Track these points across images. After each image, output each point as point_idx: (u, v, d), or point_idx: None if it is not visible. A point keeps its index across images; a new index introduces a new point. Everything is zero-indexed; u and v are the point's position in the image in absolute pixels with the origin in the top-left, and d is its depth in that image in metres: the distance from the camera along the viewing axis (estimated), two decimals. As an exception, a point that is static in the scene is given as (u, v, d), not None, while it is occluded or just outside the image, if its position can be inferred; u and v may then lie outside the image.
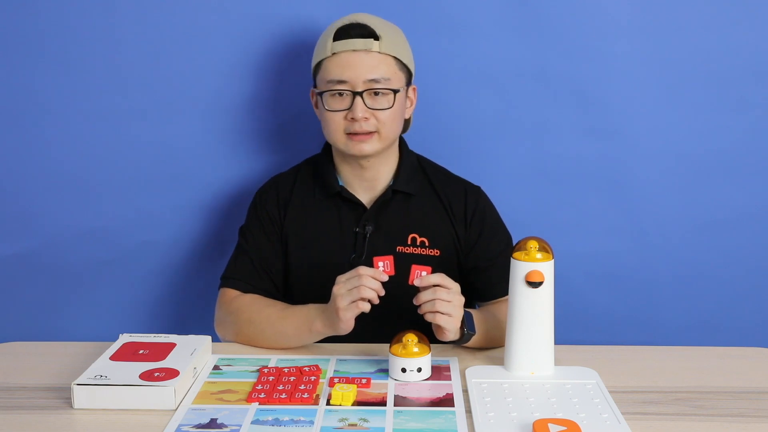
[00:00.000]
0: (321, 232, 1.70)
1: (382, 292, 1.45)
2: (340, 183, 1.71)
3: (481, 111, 1.93)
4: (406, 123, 1.75)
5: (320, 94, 1.64)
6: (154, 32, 1.89)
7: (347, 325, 1.46)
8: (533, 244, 1.41)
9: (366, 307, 1.44)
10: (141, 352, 1.44)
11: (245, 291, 1.67)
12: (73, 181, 1.95)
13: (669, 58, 1.89)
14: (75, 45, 1.88)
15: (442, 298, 1.43)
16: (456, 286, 1.46)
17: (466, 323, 1.48)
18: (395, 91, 1.62)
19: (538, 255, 1.40)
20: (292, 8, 1.88)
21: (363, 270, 1.45)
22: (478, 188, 1.76)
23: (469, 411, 1.30)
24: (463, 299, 1.47)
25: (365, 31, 1.62)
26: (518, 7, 1.87)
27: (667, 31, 1.88)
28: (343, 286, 1.45)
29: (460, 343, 1.50)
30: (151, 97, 1.91)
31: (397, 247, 1.68)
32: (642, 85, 1.91)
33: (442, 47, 1.89)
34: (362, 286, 1.43)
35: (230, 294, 1.68)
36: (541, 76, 1.91)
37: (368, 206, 1.70)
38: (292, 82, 1.91)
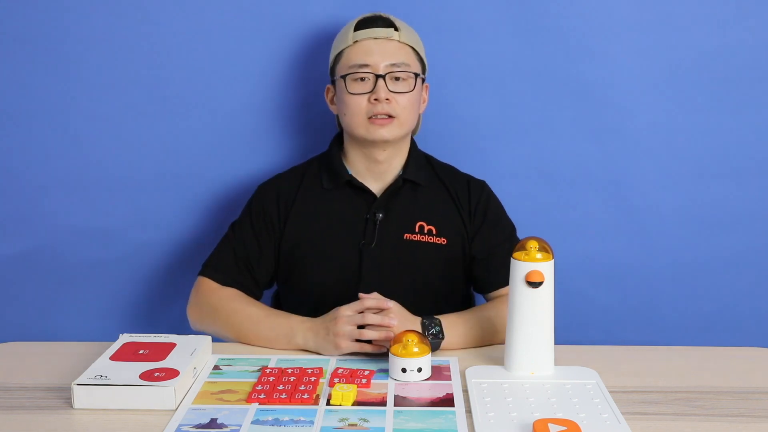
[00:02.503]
0: (330, 219, 1.71)
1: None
2: (350, 173, 1.73)
3: (481, 111, 1.93)
4: (416, 123, 1.76)
5: (342, 78, 1.67)
6: (153, 32, 1.89)
7: (340, 353, 1.51)
8: (533, 244, 1.41)
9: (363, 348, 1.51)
10: (141, 352, 1.44)
11: (223, 284, 1.69)
12: (73, 181, 1.95)
13: (669, 58, 1.89)
14: (75, 45, 1.88)
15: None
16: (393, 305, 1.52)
17: (428, 331, 1.51)
18: (416, 75, 1.67)
19: (538, 255, 1.40)
20: (296, 7, 1.88)
21: (368, 315, 1.50)
22: (483, 182, 1.78)
23: (469, 411, 1.30)
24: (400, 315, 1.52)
25: (386, 22, 1.69)
26: (518, 7, 1.88)
27: (667, 31, 1.88)
28: (349, 320, 1.50)
29: (434, 349, 1.51)
30: (151, 97, 1.92)
31: (405, 235, 1.70)
32: (642, 85, 1.91)
33: (442, 47, 1.89)
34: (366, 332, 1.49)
35: (208, 285, 1.69)
36: (541, 76, 1.91)
37: (378, 195, 1.71)
38: (295, 81, 1.92)
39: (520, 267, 1.41)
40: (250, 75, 1.92)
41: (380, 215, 1.69)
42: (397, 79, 1.66)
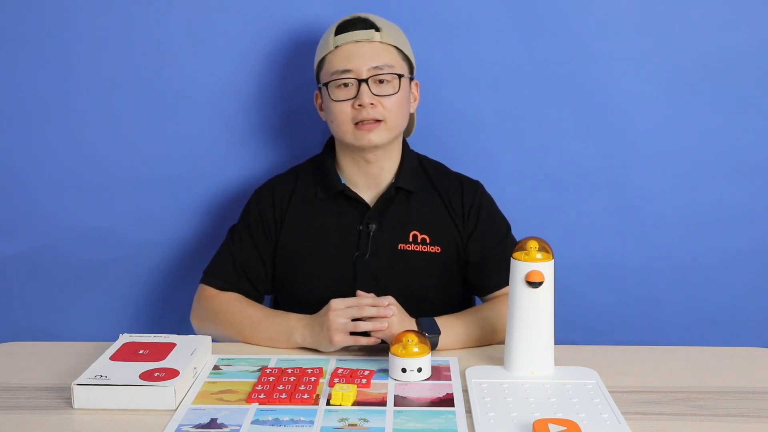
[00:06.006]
0: (324, 230, 1.70)
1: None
2: (342, 182, 1.71)
3: (481, 111, 1.93)
4: (410, 123, 1.75)
5: (326, 85, 1.65)
6: (153, 33, 1.89)
7: (335, 348, 1.51)
8: (533, 244, 1.41)
9: (360, 341, 1.51)
10: (141, 352, 1.44)
11: (222, 289, 1.70)
12: (73, 181, 1.95)
13: (669, 58, 1.90)
14: (75, 45, 1.89)
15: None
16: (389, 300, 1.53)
17: (425, 328, 1.51)
18: (400, 76, 1.64)
19: (538, 255, 1.40)
20: (294, 7, 1.89)
21: (367, 308, 1.50)
22: (477, 183, 1.76)
23: (469, 411, 1.30)
24: (398, 312, 1.53)
25: (366, 24, 1.65)
26: (518, 7, 1.88)
27: (667, 31, 1.89)
28: (342, 313, 1.49)
29: (433, 348, 1.50)
30: (151, 97, 1.92)
31: (399, 245, 1.69)
32: (642, 86, 1.91)
33: (442, 47, 1.89)
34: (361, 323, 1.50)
35: (209, 291, 1.70)
36: (541, 76, 1.91)
37: (371, 204, 1.70)
38: (293, 82, 1.92)
39: (520, 267, 1.40)
40: (250, 76, 1.92)
41: (373, 226, 1.68)
42: (381, 81, 1.63)
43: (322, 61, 1.67)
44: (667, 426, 1.26)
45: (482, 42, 1.90)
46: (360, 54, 1.63)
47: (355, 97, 1.62)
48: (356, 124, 1.63)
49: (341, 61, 1.63)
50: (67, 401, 1.32)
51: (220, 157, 1.95)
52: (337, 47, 1.65)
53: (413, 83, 1.72)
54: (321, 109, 1.73)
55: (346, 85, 1.63)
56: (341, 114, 1.64)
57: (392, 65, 1.64)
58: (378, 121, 1.63)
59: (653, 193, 1.96)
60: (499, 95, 1.92)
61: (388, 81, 1.64)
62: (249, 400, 1.33)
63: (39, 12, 1.87)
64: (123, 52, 1.89)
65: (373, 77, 1.62)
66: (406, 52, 1.69)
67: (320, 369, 1.44)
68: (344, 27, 1.65)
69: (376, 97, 1.62)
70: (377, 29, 1.65)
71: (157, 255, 2.00)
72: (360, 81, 1.62)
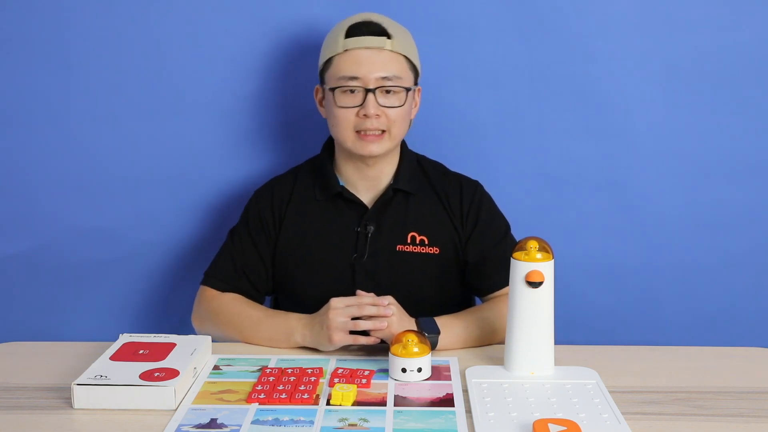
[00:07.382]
0: (322, 232, 1.70)
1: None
2: (341, 183, 1.71)
3: (481, 111, 1.93)
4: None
5: (331, 90, 1.64)
6: (154, 32, 1.89)
7: (335, 347, 1.51)
8: (533, 244, 1.41)
9: (360, 340, 1.51)
10: (141, 352, 1.44)
11: (222, 290, 1.70)
12: (73, 181, 1.95)
13: (669, 58, 1.90)
14: (75, 45, 1.89)
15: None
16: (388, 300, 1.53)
17: (424, 328, 1.51)
18: (407, 89, 1.64)
19: (538, 255, 1.40)
20: (295, 8, 1.89)
21: (367, 307, 1.50)
22: (475, 182, 1.76)
23: (469, 411, 1.30)
24: (398, 312, 1.52)
25: (377, 29, 1.63)
26: (518, 7, 1.88)
27: (667, 31, 1.89)
28: (342, 312, 1.49)
29: (433, 348, 1.50)
30: (151, 97, 1.92)
31: (397, 246, 1.68)
32: (642, 85, 1.91)
33: (442, 47, 1.89)
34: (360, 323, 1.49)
35: (210, 292, 1.70)
36: (541, 76, 1.91)
37: (369, 206, 1.70)
38: (294, 83, 1.92)
39: (520, 267, 1.40)
40: (250, 76, 1.92)
41: (371, 228, 1.68)
42: (388, 92, 1.62)
43: (329, 61, 1.65)
44: (667, 426, 1.26)
45: (482, 42, 1.90)
46: (369, 62, 1.61)
47: (361, 105, 1.61)
48: (358, 131, 1.63)
49: (349, 67, 1.62)
50: (67, 401, 1.32)
51: (220, 157, 1.95)
52: (346, 51, 1.62)
53: (417, 89, 1.71)
54: (321, 104, 1.72)
55: (352, 91, 1.62)
56: (344, 121, 1.63)
57: (400, 77, 1.63)
58: (382, 132, 1.63)
59: (653, 193, 1.96)
60: (499, 95, 1.92)
61: (395, 92, 1.63)
62: (249, 400, 1.33)
63: (39, 12, 1.87)
64: (123, 52, 1.89)
65: (380, 88, 1.61)
66: (414, 61, 1.68)
67: (320, 369, 1.44)
68: (355, 30, 1.63)
69: (381, 107, 1.62)
70: (388, 36, 1.63)
71: (157, 255, 2.00)
72: (367, 90, 1.61)
